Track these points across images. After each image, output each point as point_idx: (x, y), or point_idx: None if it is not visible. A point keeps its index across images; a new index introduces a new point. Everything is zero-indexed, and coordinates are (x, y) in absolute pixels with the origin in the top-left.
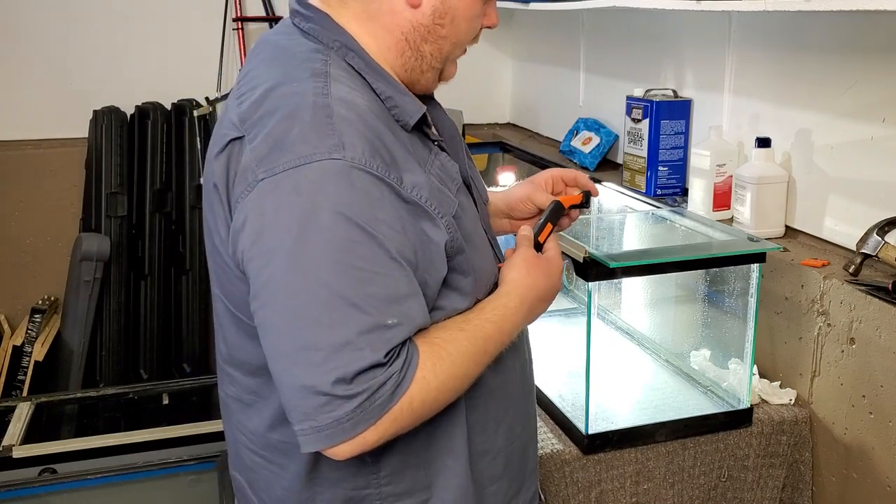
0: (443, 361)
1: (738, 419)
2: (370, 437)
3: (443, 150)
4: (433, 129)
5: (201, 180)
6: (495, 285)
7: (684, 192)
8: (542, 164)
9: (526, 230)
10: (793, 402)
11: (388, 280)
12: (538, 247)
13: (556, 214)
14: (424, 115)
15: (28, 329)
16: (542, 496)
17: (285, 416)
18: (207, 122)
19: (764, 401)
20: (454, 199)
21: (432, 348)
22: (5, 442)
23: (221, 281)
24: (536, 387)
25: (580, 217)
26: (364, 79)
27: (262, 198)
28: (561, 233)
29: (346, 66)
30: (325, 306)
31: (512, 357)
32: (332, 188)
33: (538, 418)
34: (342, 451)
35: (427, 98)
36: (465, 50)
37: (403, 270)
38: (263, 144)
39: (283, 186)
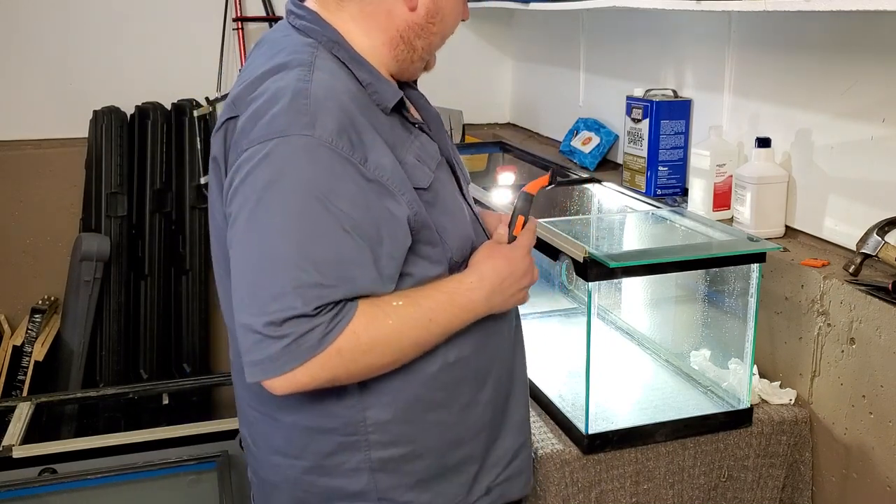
0: (377, 320)
1: (738, 419)
2: (300, 376)
3: (423, 132)
4: (412, 113)
5: (202, 180)
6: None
7: (684, 192)
8: (543, 164)
9: (503, 228)
10: (793, 402)
11: (334, 246)
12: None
13: (525, 203)
14: (402, 100)
15: (28, 329)
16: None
17: None
18: (207, 122)
19: (764, 401)
20: (431, 174)
21: (371, 308)
22: (5, 442)
23: (224, 247)
24: (537, 387)
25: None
26: (348, 69)
27: (244, 164)
28: (561, 233)
29: (332, 57)
30: (271, 260)
31: (495, 317)
32: (298, 161)
33: (538, 418)
34: (277, 385)
35: (410, 90)
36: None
37: (353, 241)
38: (249, 121)
39: (258, 155)
